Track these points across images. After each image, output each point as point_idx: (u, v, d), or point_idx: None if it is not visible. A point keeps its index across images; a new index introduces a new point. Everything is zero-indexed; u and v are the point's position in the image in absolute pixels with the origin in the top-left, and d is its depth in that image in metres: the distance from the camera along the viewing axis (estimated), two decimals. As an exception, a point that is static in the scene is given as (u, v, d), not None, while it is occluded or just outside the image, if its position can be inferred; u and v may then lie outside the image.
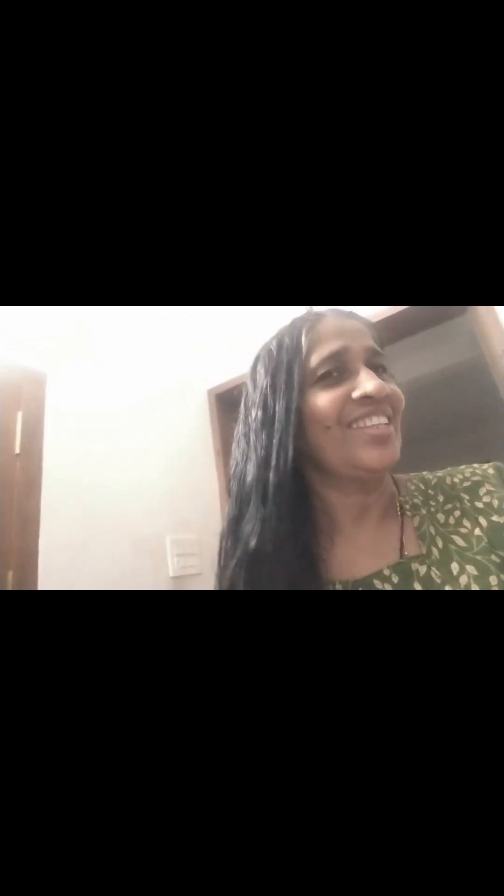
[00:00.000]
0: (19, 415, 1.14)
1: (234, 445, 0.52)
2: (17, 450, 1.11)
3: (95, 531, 1.26)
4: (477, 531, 0.44)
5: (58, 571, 1.11)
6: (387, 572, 0.45)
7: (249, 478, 0.47)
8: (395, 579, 0.44)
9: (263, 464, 0.46)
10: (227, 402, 1.79)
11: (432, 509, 0.48)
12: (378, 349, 0.47)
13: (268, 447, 0.47)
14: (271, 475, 0.45)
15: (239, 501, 0.48)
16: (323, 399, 0.45)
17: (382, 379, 0.45)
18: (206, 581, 0.55)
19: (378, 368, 0.47)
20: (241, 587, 0.45)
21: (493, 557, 0.42)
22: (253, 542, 0.44)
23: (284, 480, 0.45)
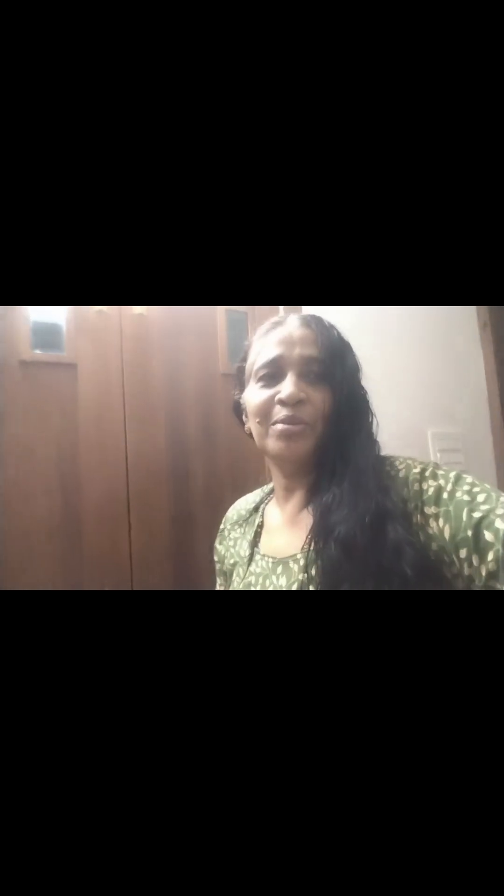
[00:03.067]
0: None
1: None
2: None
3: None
4: None
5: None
6: (298, 556, 0.53)
7: None
8: (302, 562, 0.51)
9: None
10: None
11: None
12: (316, 357, 0.53)
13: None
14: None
15: None
16: (256, 397, 0.54)
17: (310, 384, 0.52)
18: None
19: (309, 375, 0.53)
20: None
21: None
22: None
23: None
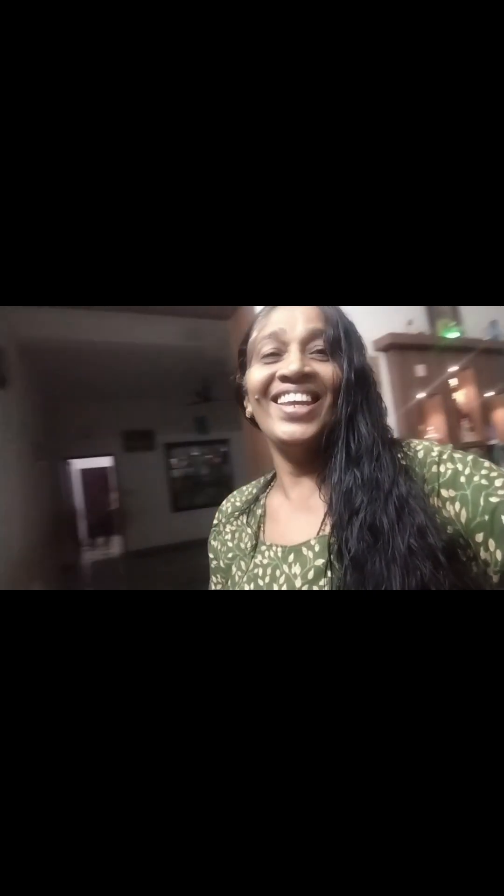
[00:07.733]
0: None
1: None
2: None
3: None
4: None
5: None
6: (312, 542, 0.50)
7: None
8: (318, 548, 0.49)
9: None
10: None
11: None
12: (321, 331, 0.50)
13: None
14: None
15: None
16: (256, 374, 0.51)
17: (318, 361, 0.50)
18: None
19: (315, 350, 0.50)
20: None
21: None
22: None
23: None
